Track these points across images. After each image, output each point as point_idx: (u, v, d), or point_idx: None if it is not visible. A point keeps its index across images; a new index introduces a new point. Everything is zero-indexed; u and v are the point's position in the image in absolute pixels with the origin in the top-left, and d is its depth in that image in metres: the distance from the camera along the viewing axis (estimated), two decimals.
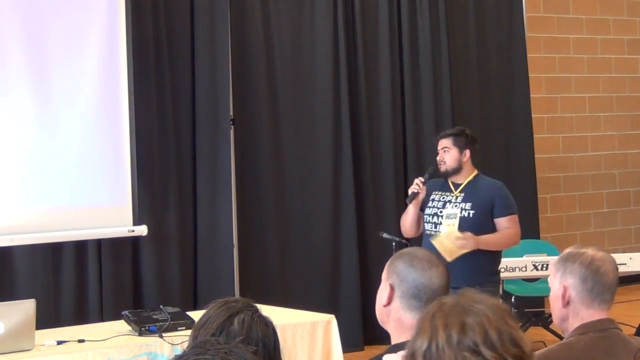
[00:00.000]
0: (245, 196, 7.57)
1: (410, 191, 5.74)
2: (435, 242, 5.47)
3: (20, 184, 6.52)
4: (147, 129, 7.06)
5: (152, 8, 7.17)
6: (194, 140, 7.35)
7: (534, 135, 9.05)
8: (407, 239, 6.15)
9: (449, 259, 5.28)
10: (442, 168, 5.73)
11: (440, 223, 5.61)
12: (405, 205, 5.93)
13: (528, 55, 9.06)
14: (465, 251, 5.46)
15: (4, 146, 6.51)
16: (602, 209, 10.10)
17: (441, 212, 5.63)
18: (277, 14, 7.79)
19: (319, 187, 7.88)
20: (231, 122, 7.51)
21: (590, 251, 2.99)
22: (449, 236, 5.51)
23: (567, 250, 3.05)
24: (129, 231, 6.86)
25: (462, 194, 5.66)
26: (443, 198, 5.69)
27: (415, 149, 8.27)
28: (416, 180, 5.74)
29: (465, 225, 5.56)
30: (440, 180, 5.77)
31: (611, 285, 2.96)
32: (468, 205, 5.60)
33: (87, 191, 6.75)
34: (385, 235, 6.97)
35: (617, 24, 10.23)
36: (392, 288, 2.76)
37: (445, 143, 5.75)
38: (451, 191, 5.68)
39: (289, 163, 7.78)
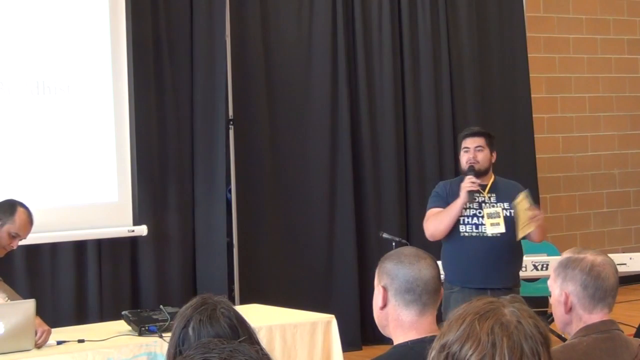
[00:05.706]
0: (245, 196, 7.57)
1: (468, 190, 5.42)
2: (519, 207, 5.38)
3: (19, 183, 6.51)
4: (146, 129, 7.07)
5: (151, 8, 7.17)
6: (193, 141, 7.35)
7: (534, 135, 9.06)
8: (406, 239, 6.14)
9: (521, 234, 5.37)
10: (476, 167, 5.54)
11: (483, 224, 5.48)
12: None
13: (528, 55, 9.06)
14: (532, 229, 5.39)
15: (3, 146, 6.51)
16: (602, 209, 10.10)
17: (480, 212, 5.49)
18: (276, 14, 7.79)
19: (318, 187, 7.88)
20: (231, 123, 7.51)
21: (589, 256, 2.97)
22: (521, 203, 5.42)
23: (566, 255, 3.02)
24: (129, 231, 6.87)
25: (494, 194, 5.54)
26: (475, 199, 5.52)
27: (416, 149, 8.27)
28: (472, 179, 5.46)
29: (508, 224, 5.48)
30: (457, 181, 5.61)
31: (612, 289, 2.96)
32: (507, 205, 5.50)
33: (87, 191, 6.76)
34: (385, 235, 6.97)
35: (617, 24, 10.23)
36: (385, 289, 2.78)
37: (479, 142, 5.60)
38: (478, 192, 5.51)
39: (288, 163, 7.79)
